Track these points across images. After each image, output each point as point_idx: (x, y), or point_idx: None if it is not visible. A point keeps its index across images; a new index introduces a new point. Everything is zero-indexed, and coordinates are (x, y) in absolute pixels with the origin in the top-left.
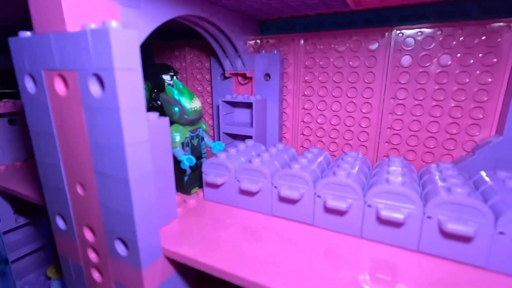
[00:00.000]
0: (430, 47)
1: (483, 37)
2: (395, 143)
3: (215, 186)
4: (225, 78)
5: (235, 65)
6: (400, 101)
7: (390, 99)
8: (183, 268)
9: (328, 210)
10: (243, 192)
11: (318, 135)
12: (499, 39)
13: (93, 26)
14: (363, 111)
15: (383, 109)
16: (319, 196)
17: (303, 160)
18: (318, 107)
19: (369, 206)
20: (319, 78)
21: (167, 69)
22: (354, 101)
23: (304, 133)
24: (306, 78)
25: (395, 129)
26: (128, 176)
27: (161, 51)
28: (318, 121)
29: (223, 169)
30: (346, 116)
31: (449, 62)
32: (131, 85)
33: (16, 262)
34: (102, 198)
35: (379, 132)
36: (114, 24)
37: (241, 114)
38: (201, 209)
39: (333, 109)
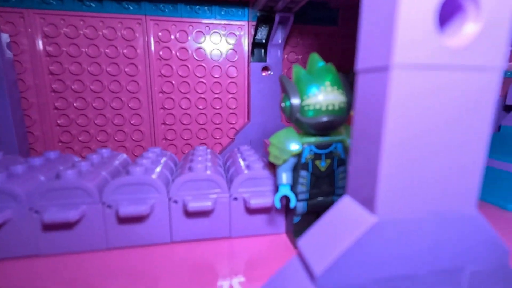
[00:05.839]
0: (186, 42)
1: (239, 34)
2: (171, 139)
3: None
4: None
5: None
6: (168, 95)
7: (158, 93)
8: None
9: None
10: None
11: (80, 139)
12: (241, 33)
13: None
14: (131, 106)
15: (153, 104)
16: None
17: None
18: (75, 105)
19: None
20: (70, 69)
21: None
22: (119, 96)
23: (62, 140)
24: (51, 68)
25: (169, 124)
26: None
27: None
28: (78, 122)
29: None
30: (114, 114)
31: (203, 57)
32: None
33: None
34: None
35: (153, 129)
36: None
37: None
38: None
39: (94, 106)
